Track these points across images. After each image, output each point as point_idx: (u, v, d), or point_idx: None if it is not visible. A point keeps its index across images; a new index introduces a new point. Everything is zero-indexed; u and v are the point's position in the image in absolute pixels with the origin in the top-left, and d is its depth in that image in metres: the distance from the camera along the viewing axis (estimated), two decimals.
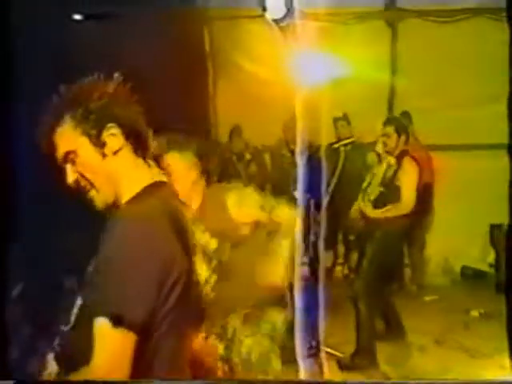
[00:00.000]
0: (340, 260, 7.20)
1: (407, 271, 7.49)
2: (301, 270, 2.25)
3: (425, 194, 6.16)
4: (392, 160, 5.33)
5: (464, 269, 7.99)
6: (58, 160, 1.97)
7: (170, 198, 2.01)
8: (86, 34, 4.52)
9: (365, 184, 5.60)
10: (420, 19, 7.73)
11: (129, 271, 1.78)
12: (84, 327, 1.81)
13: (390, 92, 7.91)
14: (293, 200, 3.10)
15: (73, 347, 1.92)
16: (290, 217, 3.03)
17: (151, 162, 2.04)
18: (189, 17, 6.58)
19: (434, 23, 7.69)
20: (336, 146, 7.04)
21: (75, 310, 1.96)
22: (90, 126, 1.93)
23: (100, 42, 4.35)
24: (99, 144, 1.93)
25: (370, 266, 5.25)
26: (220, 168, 3.38)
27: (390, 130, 5.36)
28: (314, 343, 3.64)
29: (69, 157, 1.94)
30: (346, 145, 7.13)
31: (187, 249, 1.94)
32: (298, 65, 2.05)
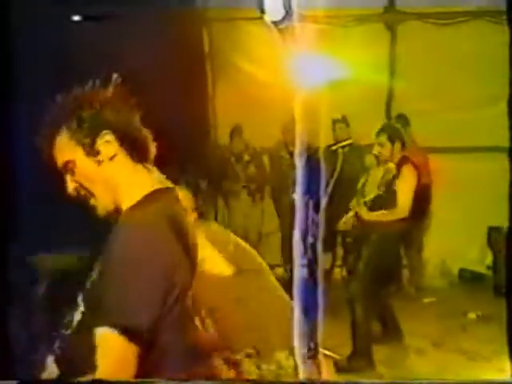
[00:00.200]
0: (338, 262, 7.21)
1: (405, 273, 7.50)
2: (299, 272, 2.25)
3: (422, 195, 6.17)
4: (392, 166, 5.33)
5: (462, 271, 8.00)
6: (58, 169, 1.98)
7: (173, 204, 1.99)
8: (85, 35, 4.53)
9: (359, 185, 5.61)
10: (419, 21, 7.74)
11: (132, 278, 1.78)
12: (86, 333, 1.80)
13: (389, 94, 7.92)
14: None
15: (73, 351, 1.91)
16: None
17: (151, 167, 2.03)
18: (188, 18, 6.59)
19: (434, 25, 7.70)
20: (334, 147, 7.05)
21: (77, 316, 1.96)
22: (83, 135, 1.93)
23: (99, 42, 4.35)
24: (93, 152, 1.93)
25: (366, 269, 5.25)
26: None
27: (383, 139, 5.35)
28: (312, 345, 3.63)
29: (67, 167, 1.95)
30: (344, 147, 7.14)
31: (190, 255, 1.93)
32: (296, 67, 2.05)
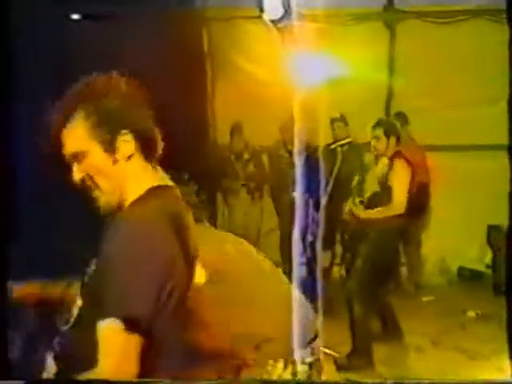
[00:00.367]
0: (337, 260, 7.21)
1: (404, 271, 7.51)
2: (298, 270, 2.25)
3: (420, 193, 6.18)
4: (385, 161, 5.36)
5: (461, 269, 8.00)
6: (64, 156, 1.96)
7: (173, 201, 2.00)
8: (84, 34, 4.53)
9: (354, 183, 5.63)
10: (419, 20, 7.74)
11: (131, 272, 1.78)
12: (84, 328, 1.81)
13: (388, 93, 7.92)
14: None
15: (72, 347, 1.92)
16: None
17: (157, 166, 2.04)
18: (187, 17, 6.59)
19: (433, 24, 7.70)
20: (333, 146, 7.05)
21: (75, 311, 1.96)
22: (104, 131, 1.92)
23: (98, 42, 4.35)
24: (111, 149, 1.92)
25: (364, 266, 5.26)
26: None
27: (379, 132, 5.37)
28: (312, 343, 3.64)
29: (78, 156, 1.93)
30: (343, 145, 7.14)
31: (187, 251, 1.92)
32: (295, 66, 2.05)
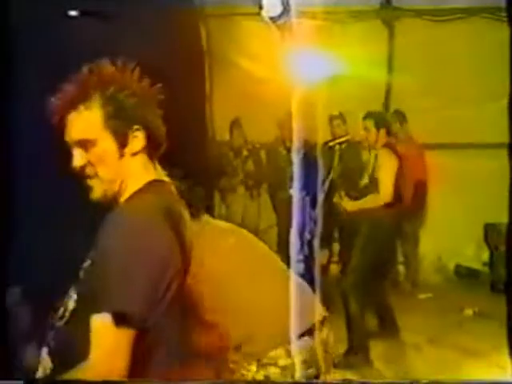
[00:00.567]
0: (335, 258, 7.22)
1: (401, 268, 7.52)
2: (296, 267, 2.25)
3: (417, 190, 6.18)
4: (374, 152, 5.39)
5: (458, 267, 8.01)
6: (67, 139, 1.95)
7: (168, 196, 2.00)
8: (83, 32, 4.52)
9: (353, 179, 5.66)
10: (417, 18, 7.75)
11: (127, 266, 1.78)
12: (79, 322, 1.81)
13: (387, 91, 7.93)
14: None
15: (67, 342, 1.92)
16: None
17: (157, 164, 2.05)
18: (186, 14, 6.58)
19: (431, 22, 7.70)
20: (331, 144, 7.05)
21: (70, 305, 1.96)
22: (119, 124, 1.92)
23: (97, 39, 4.35)
24: (122, 143, 1.93)
25: (358, 261, 5.26)
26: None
27: (369, 124, 5.39)
28: (309, 339, 3.62)
29: (85, 144, 1.91)
30: (341, 143, 7.14)
31: (184, 247, 1.92)
32: (294, 63, 2.06)
